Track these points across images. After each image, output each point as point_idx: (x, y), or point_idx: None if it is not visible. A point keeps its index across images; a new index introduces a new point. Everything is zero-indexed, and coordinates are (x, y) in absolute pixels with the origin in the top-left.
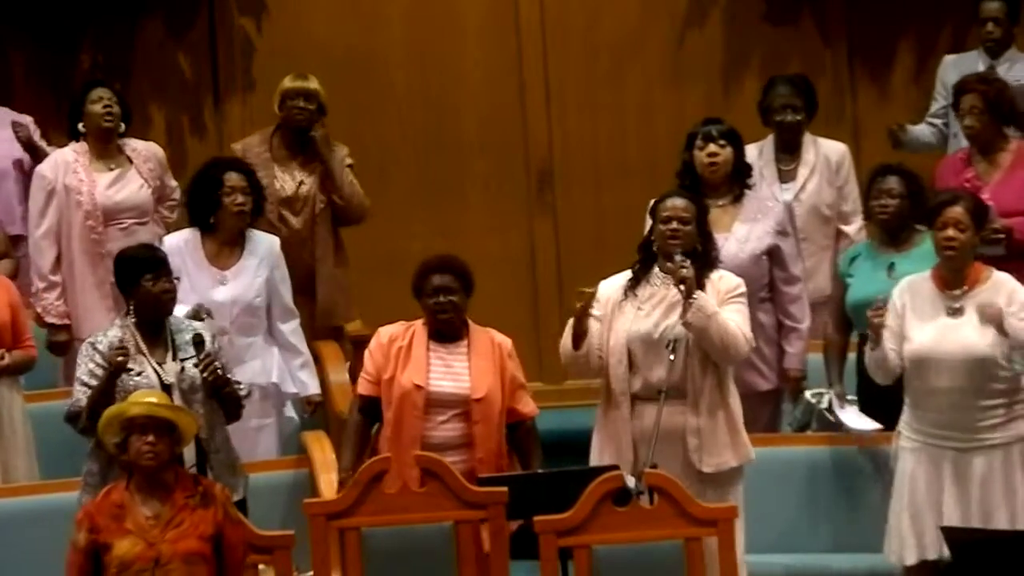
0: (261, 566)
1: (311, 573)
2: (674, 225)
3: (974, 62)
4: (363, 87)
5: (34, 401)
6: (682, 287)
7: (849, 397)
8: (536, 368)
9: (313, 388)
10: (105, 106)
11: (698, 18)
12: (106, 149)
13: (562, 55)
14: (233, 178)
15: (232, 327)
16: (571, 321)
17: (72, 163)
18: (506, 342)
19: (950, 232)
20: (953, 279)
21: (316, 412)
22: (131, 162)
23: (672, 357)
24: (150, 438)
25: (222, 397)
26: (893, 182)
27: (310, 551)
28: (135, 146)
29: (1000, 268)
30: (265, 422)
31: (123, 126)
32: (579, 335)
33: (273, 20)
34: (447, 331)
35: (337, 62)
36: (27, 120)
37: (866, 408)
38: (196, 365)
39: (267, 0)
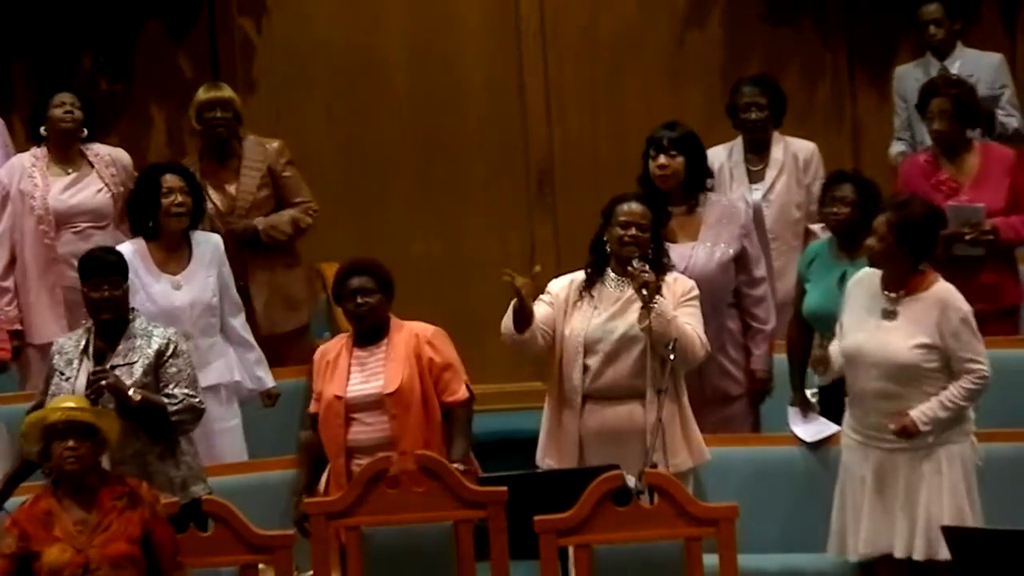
0: (261, 566)
1: (311, 573)
2: (632, 232)
3: (923, 68)
4: (363, 87)
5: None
6: (644, 291)
7: (810, 391)
8: (533, 369)
9: (270, 381)
10: (66, 111)
11: (698, 18)
12: (66, 154)
13: (562, 55)
14: (169, 179)
15: (195, 330)
16: (512, 303)
17: (29, 168)
18: (426, 330)
19: (868, 239)
20: (891, 281)
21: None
22: (92, 167)
23: (672, 357)
24: (70, 443)
25: (132, 412)
26: (847, 189)
27: (310, 551)
28: (98, 151)
29: (979, 268)
30: (229, 424)
31: (85, 131)
32: (523, 319)
33: (273, 20)
34: (368, 332)
35: (337, 62)
36: None
37: (827, 406)
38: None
39: (267, 0)
